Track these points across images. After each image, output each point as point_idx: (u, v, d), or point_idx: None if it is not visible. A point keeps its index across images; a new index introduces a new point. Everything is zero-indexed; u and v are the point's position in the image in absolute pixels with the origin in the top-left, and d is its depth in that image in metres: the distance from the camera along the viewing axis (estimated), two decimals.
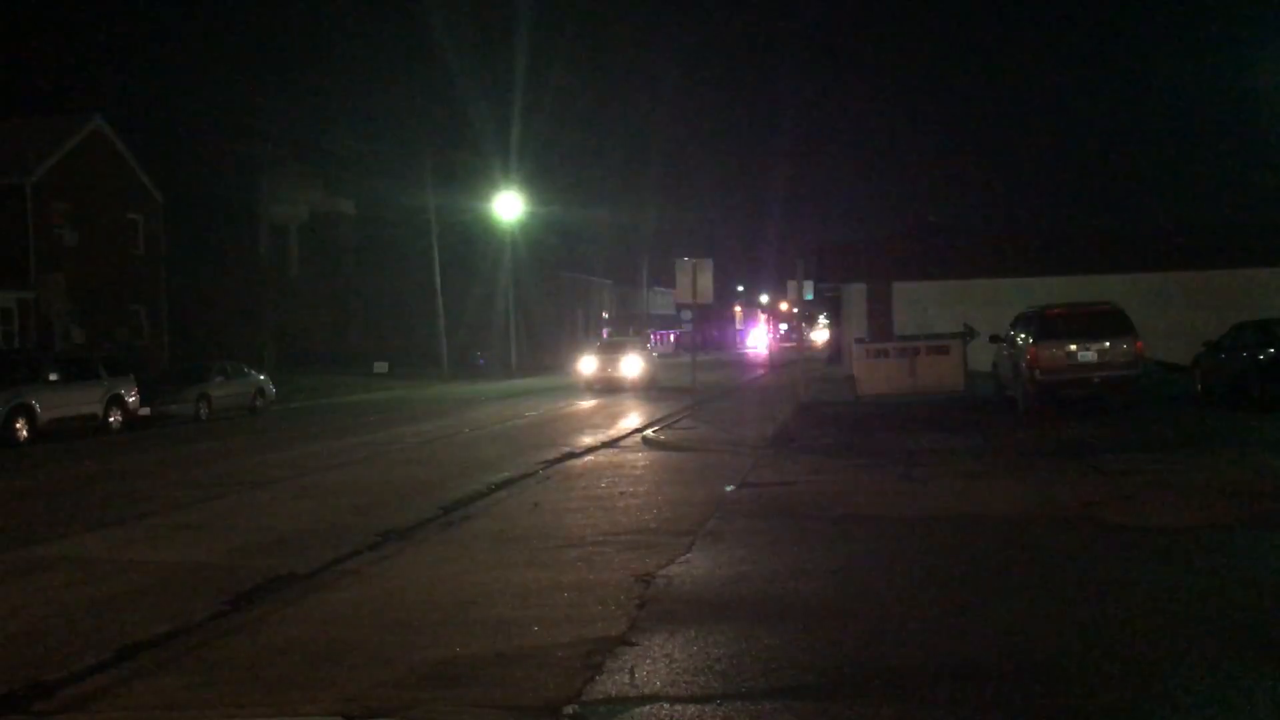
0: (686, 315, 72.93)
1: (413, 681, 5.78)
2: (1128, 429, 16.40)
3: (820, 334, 62.84)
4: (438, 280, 47.42)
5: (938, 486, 11.64)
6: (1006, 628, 6.32)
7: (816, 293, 44.00)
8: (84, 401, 24.56)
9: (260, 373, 32.89)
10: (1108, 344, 19.24)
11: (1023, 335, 20.42)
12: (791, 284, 27.41)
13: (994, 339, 22.70)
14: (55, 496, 14.11)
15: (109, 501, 13.16)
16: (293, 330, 51.87)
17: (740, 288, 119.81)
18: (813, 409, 22.88)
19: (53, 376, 23.96)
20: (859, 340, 26.46)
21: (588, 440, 19.03)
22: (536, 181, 56.29)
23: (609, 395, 32.25)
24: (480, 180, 53.03)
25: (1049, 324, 19.77)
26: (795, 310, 35.51)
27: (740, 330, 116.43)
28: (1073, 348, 19.31)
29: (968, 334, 24.07)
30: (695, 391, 27.89)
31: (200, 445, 21.16)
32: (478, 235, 54.08)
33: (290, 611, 7.45)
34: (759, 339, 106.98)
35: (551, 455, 16.72)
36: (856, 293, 36.38)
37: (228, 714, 5.41)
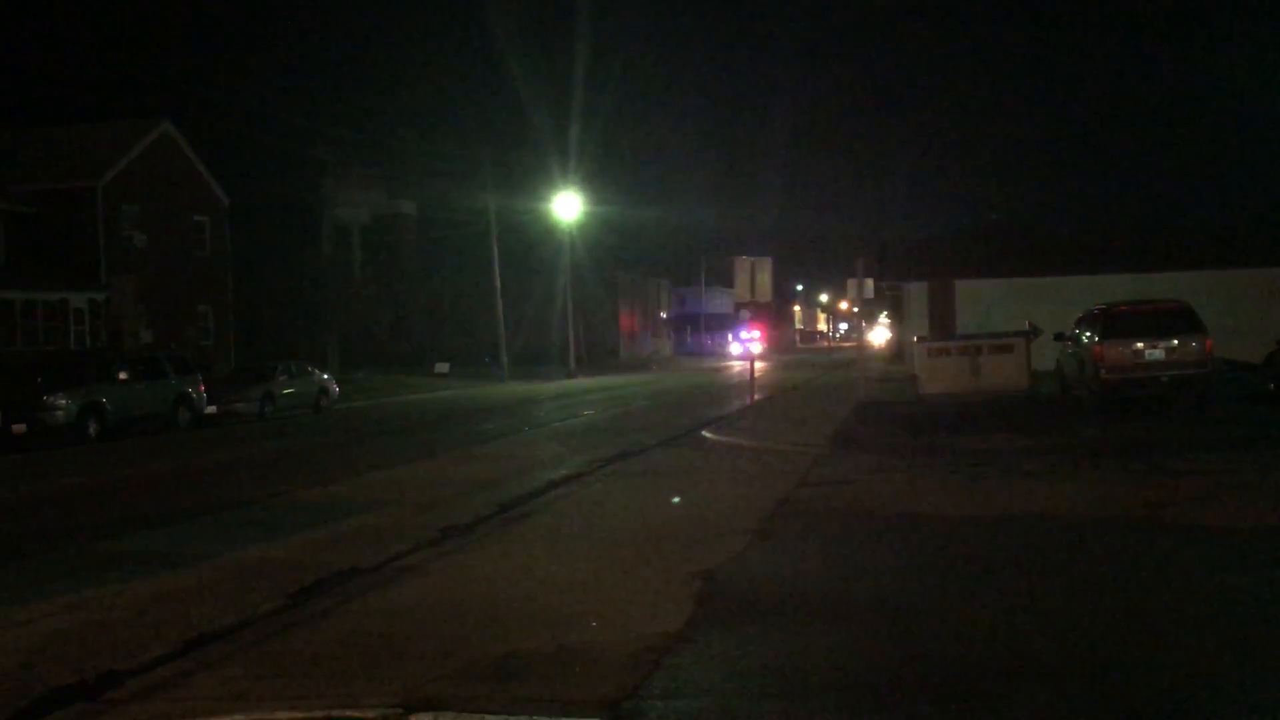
0: (744, 314, 72.52)
1: (472, 675, 5.83)
2: (1196, 429, 16.06)
3: (880, 333, 61.82)
4: (497, 280, 47.72)
5: (999, 486, 11.49)
6: (1067, 628, 6.22)
7: (877, 291, 43.66)
8: (152, 400, 25.09)
9: (324, 372, 33.38)
10: (1176, 342, 18.84)
11: (1088, 333, 20.08)
12: (852, 282, 27.20)
13: (1058, 337, 22.33)
14: (125, 492, 14.42)
15: (175, 498, 13.42)
16: (355, 330, 52.54)
17: (800, 286, 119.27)
18: (872, 408, 22.71)
19: (122, 375, 24.50)
20: (920, 339, 26.18)
21: None
22: (595, 181, 56.53)
23: None
24: (539, 180, 53.36)
25: (1115, 322, 19.41)
26: (856, 309, 35.23)
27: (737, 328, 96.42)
28: (1140, 346, 18.93)
29: (1031, 332, 23.73)
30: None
31: (265, 444, 21.50)
32: (537, 235, 54.37)
33: (353, 605, 7.54)
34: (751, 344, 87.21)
35: None
36: (918, 291, 36.08)
37: (290, 705, 5.49)
